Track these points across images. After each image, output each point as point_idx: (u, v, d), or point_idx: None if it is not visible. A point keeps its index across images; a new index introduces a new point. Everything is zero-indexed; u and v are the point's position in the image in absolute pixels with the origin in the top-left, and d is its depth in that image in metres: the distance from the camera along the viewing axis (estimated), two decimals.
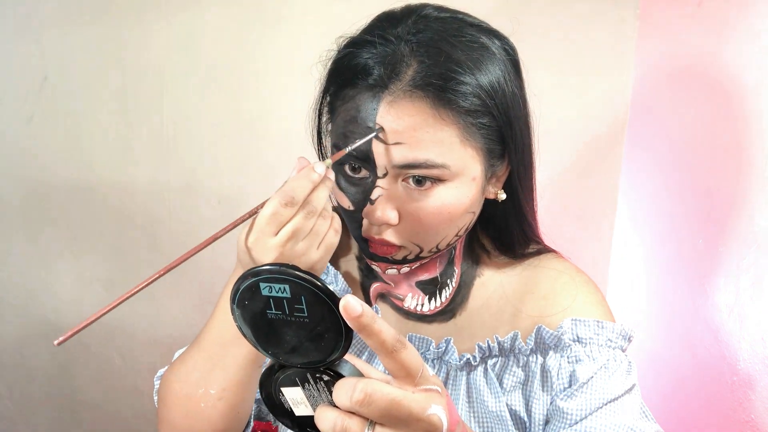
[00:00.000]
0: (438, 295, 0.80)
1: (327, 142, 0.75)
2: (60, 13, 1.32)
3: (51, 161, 1.41)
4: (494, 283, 0.82)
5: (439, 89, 0.63)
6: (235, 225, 0.58)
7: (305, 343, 0.50)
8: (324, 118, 0.75)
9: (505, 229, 0.79)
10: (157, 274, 0.55)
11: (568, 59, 1.23)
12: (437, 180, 0.66)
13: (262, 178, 1.36)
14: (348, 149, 0.65)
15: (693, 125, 1.13)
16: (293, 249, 0.59)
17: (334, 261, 0.87)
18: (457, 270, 0.80)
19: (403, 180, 0.67)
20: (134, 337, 1.52)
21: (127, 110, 1.38)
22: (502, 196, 0.74)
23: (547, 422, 0.75)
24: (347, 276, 0.84)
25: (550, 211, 1.26)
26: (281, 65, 1.32)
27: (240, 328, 0.52)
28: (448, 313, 0.82)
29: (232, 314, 0.51)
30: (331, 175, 0.62)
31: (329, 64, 0.71)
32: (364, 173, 0.68)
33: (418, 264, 0.76)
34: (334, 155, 0.65)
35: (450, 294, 0.80)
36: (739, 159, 1.01)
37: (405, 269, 0.75)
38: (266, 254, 0.58)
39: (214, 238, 0.57)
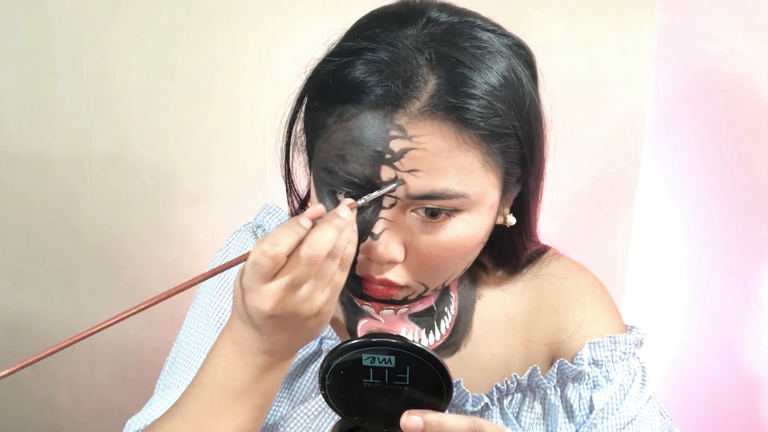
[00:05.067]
0: (437, 327, 0.77)
1: (298, 157, 0.74)
2: None
3: None
4: (497, 304, 0.81)
5: (463, 110, 0.60)
6: (229, 265, 0.59)
7: (398, 409, 0.56)
8: (297, 129, 0.72)
9: (510, 247, 0.78)
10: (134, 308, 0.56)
11: (583, 61, 1.22)
12: (453, 210, 0.64)
13: (202, 148, 1.29)
14: (360, 202, 0.62)
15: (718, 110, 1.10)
16: (295, 295, 0.57)
17: None
18: (453, 295, 0.79)
19: (412, 210, 0.64)
20: (48, 342, 1.30)
21: (40, 63, 1.29)
22: (512, 220, 0.73)
23: None
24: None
25: (567, 199, 1.23)
26: (228, 11, 1.24)
27: (326, 396, 0.59)
28: (451, 346, 0.78)
29: (321, 383, 0.58)
30: (346, 214, 0.60)
31: (312, 73, 0.68)
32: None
33: (418, 303, 0.74)
34: (349, 203, 0.61)
35: (450, 324, 0.78)
36: None
37: (403, 310, 0.73)
38: (262, 301, 0.57)
39: (203, 277, 0.58)
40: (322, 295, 0.59)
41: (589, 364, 0.75)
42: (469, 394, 0.76)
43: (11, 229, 1.36)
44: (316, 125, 0.66)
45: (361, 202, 0.62)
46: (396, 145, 0.60)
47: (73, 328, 1.35)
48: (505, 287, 0.81)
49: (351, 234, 0.60)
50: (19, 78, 1.30)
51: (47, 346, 1.43)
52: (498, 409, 0.77)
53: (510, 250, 0.78)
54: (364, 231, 0.65)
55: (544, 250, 0.82)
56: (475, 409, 0.76)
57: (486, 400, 0.76)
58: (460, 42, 0.63)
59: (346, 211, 0.59)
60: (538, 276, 0.80)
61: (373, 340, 0.56)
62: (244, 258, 0.57)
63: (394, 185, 0.62)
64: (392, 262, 0.65)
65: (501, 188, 0.67)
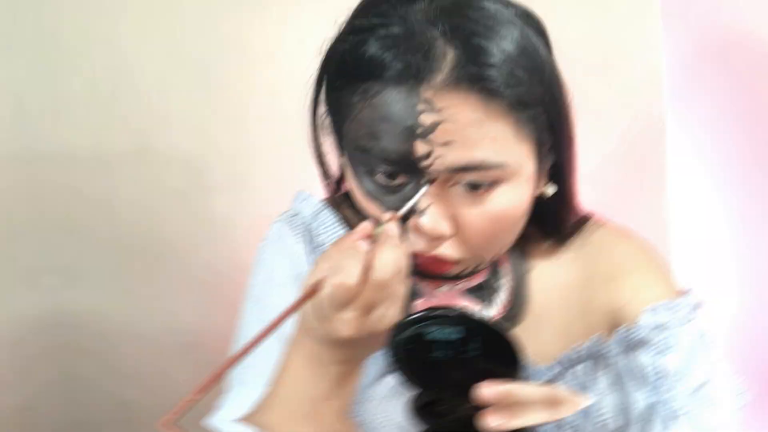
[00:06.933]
0: (494, 301, 0.78)
1: (326, 140, 0.74)
2: None
3: None
4: (549, 276, 0.81)
5: (486, 80, 0.61)
6: (302, 302, 0.59)
7: (471, 380, 0.55)
8: (321, 111, 0.72)
9: (552, 218, 0.78)
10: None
11: (589, 31, 1.22)
12: (494, 182, 0.64)
13: (226, 135, 1.28)
14: (401, 212, 0.64)
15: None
16: (369, 318, 0.59)
17: None
18: (505, 268, 0.79)
19: (452, 185, 0.64)
20: (109, 336, 1.42)
21: (52, 60, 1.27)
22: (550, 191, 0.73)
23: (643, 421, 0.75)
24: None
25: (596, 167, 1.19)
26: None
27: (396, 371, 0.58)
28: (510, 320, 0.78)
29: (390, 358, 0.57)
30: (395, 230, 0.61)
31: (328, 53, 0.68)
32: (402, 179, 0.65)
33: (472, 278, 0.74)
34: (390, 216, 0.63)
35: (506, 298, 0.78)
36: None
37: (461, 285, 0.74)
38: (341, 328, 0.58)
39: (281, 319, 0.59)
40: (392, 310, 0.60)
41: (652, 330, 0.74)
42: (535, 366, 0.76)
43: (54, 228, 1.36)
44: (341, 105, 0.66)
45: (401, 212, 0.63)
46: (426, 119, 0.60)
47: (131, 320, 1.39)
48: (555, 258, 0.81)
49: (404, 246, 0.60)
50: (34, 77, 1.27)
51: (109, 340, 1.46)
52: (563, 383, 0.77)
53: (553, 221, 0.78)
54: (411, 208, 0.65)
55: (587, 218, 0.81)
56: (542, 381, 0.76)
57: (553, 370, 0.76)
58: (470, 14, 0.62)
59: (394, 227, 0.61)
60: (585, 245, 0.80)
61: (437, 313, 0.56)
62: (314, 291, 0.58)
63: (425, 189, 0.63)
64: (441, 237, 0.65)
65: (535, 158, 0.67)
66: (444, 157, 0.61)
